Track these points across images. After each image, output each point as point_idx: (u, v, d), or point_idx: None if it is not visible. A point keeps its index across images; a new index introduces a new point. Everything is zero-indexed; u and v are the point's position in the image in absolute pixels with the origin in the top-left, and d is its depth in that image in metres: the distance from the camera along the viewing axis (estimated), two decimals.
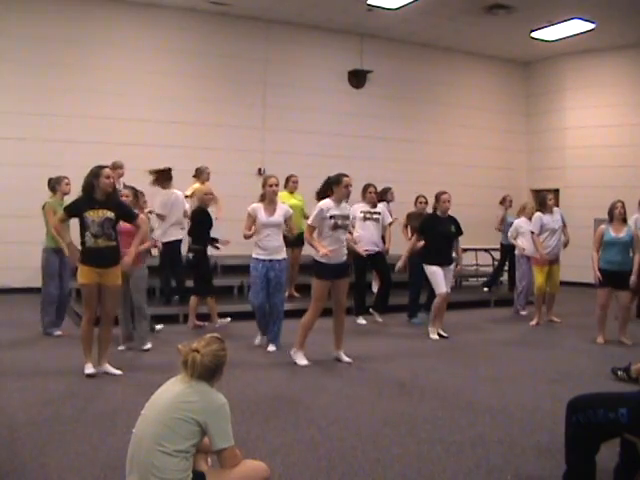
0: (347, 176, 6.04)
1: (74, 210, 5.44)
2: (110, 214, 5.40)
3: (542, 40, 12.33)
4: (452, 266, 7.58)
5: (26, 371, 5.55)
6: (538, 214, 8.62)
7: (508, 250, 10.22)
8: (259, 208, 6.46)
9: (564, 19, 11.12)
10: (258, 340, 6.82)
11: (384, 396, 5.06)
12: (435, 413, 4.62)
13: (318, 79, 12.27)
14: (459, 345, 7.22)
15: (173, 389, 2.79)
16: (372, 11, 10.97)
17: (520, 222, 9.33)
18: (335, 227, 5.90)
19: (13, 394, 4.86)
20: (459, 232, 7.63)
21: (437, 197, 7.67)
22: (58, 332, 7.02)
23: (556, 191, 13.70)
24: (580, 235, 12.96)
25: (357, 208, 8.19)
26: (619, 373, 5.66)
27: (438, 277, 7.40)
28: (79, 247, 5.45)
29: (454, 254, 7.72)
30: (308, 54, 12.19)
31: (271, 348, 6.61)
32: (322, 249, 5.80)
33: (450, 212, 8.85)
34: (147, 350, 6.39)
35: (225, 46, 11.47)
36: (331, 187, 6.01)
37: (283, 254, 6.57)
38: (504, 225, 10.40)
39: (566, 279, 13.39)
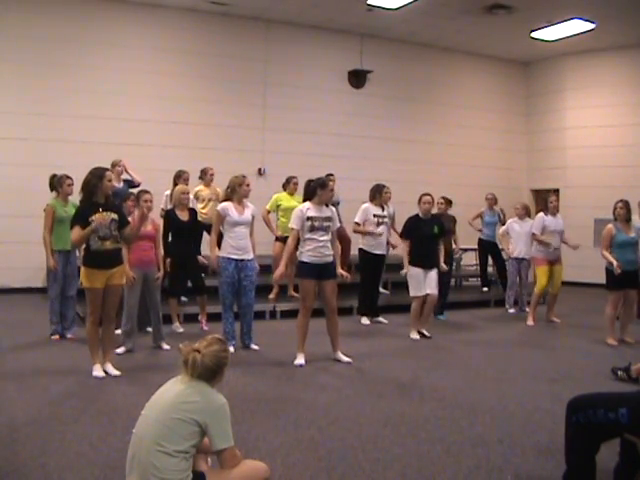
0: (332, 180, 6.20)
1: (84, 219, 5.29)
2: (114, 215, 5.40)
3: (542, 40, 12.33)
4: (435, 270, 7.46)
5: (26, 371, 5.54)
6: (541, 214, 8.70)
7: (487, 246, 10.33)
8: (229, 207, 6.43)
9: (564, 19, 11.12)
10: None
11: (384, 396, 5.06)
12: (435, 413, 4.62)
13: (318, 79, 12.27)
14: (459, 345, 7.22)
15: (173, 389, 2.79)
16: (372, 11, 10.97)
17: (512, 224, 9.39)
18: (312, 229, 5.97)
19: (13, 394, 4.86)
20: (442, 233, 7.58)
21: (419, 198, 7.60)
22: (69, 335, 6.94)
23: (556, 191, 13.71)
24: (580, 235, 12.95)
25: (369, 211, 8.13)
26: (619, 373, 5.65)
27: (416, 280, 7.38)
28: (82, 251, 5.44)
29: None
30: (308, 54, 12.19)
31: (256, 347, 6.64)
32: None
33: (450, 212, 8.85)
34: (166, 349, 6.48)
35: (225, 46, 11.47)
36: (316, 190, 6.07)
37: (252, 254, 6.52)
38: (483, 222, 10.48)
39: (566, 279, 13.41)
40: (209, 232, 8.56)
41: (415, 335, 7.49)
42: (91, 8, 10.46)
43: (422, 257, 7.35)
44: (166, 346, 6.55)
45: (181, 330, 7.44)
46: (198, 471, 2.75)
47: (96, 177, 5.34)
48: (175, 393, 2.75)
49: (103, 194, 5.38)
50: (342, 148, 12.14)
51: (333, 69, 12.40)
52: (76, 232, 5.32)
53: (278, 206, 8.80)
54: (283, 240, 8.69)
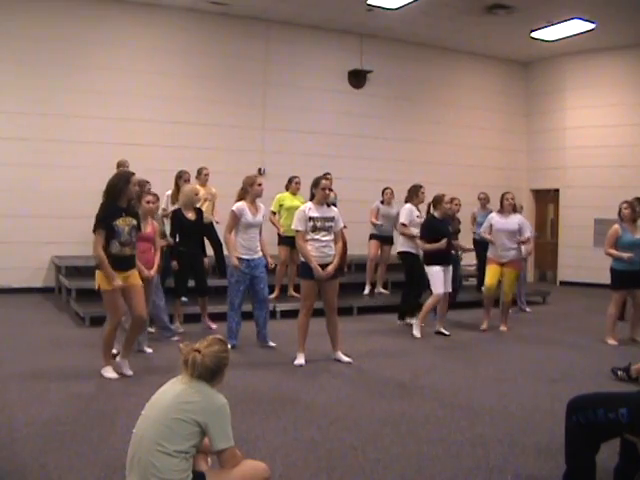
0: (327, 179, 6.24)
1: (109, 222, 5.23)
2: (135, 222, 5.38)
3: (542, 40, 12.32)
4: (451, 267, 7.64)
5: (26, 371, 5.54)
6: (492, 214, 8.30)
7: (483, 246, 10.37)
8: (245, 208, 6.47)
9: (564, 19, 11.11)
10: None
11: (384, 396, 5.07)
12: (435, 413, 4.63)
13: (318, 79, 12.26)
14: (459, 345, 7.23)
15: (173, 389, 2.79)
16: (372, 11, 10.96)
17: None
18: (314, 229, 5.99)
19: (13, 394, 4.86)
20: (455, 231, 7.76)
21: (439, 199, 7.62)
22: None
23: (556, 191, 13.74)
24: (580, 235, 13.02)
25: (412, 212, 8.17)
26: (619, 373, 5.66)
27: (438, 278, 7.46)
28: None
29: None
30: (308, 54, 12.18)
31: (273, 344, 6.70)
32: (315, 266, 5.88)
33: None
34: (149, 353, 6.41)
35: (225, 46, 11.47)
36: (311, 190, 6.13)
37: (260, 252, 6.66)
38: (476, 223, 10.51)
39: (565, 279, 13.45)
40: (206, 232, 8.65)
41: (418, 333, 7.51)
42: (91, 8, 10.45)
43: (442, 256, 7.48)
44: (149, 350, 6.42)
45: (181, 330, 7.44)
46: (198, 471, 2.75)
47: (123, 181, 5.30)
48: (175, 393, 2.75)
49: (127, 198, 5.34)
50: (342, 148, 12.14)
51: (333, 69, 12.39)
52: (100, 240, 5.18)
53: (281, 206, 8.81)
54: (284, 240, 8.70)
